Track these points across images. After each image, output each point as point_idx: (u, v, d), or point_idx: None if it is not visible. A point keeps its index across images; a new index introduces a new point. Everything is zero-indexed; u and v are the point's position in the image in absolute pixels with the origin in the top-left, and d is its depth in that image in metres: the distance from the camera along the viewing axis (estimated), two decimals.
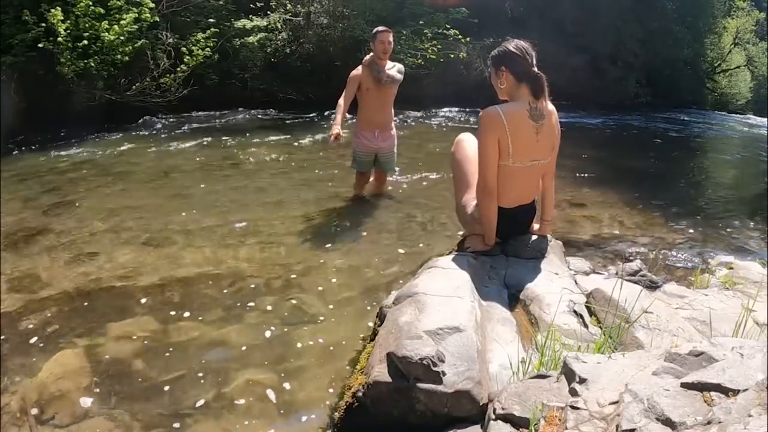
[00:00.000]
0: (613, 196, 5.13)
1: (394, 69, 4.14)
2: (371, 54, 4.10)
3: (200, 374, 2.19)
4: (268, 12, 10.91)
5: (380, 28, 4.11)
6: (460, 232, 2.87)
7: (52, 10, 7.26)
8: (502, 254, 2.59)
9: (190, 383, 2.13)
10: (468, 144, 2.73)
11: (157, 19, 8.63)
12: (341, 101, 4.18)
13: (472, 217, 2.61)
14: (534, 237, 2.67)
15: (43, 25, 7.27)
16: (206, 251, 3.41)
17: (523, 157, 2.41)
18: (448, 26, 11.70)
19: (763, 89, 24.07)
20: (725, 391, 1.16)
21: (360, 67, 4.14)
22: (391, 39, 4.08)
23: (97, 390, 2.07)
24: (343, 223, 3.99)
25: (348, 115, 4.33)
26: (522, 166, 2.43)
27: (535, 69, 2.39)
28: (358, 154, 4.35)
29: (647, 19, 17.69)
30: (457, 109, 11.06)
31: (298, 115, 9.44)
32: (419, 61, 11.02)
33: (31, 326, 2.50)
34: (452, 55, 11.61)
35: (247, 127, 8.41)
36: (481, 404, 1.54)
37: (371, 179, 4.61)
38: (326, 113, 9.35)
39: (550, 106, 2.47)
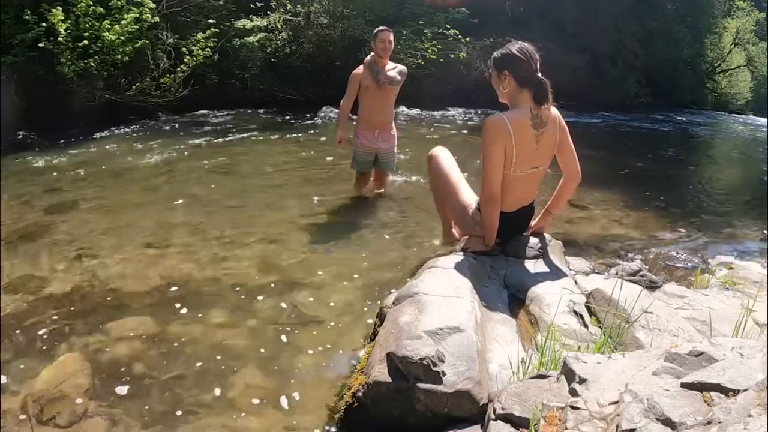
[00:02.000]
0: (613, 196, 5.13)
1: (395, 70, 4.14)
2: (372, 54, 4.11)
3: (200, 374, 2.19)
4: (268, 12, 10.90)
5: (381, 28, 4.15)
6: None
7: (53, 10, 7.25)
8: (502, 254, 2.59)
9: (190, 383, 2.13)
10: (442, 159, 2.80)
11: (157, 19, 8.62)
12: (343, 104, 4.19)
13: (473, 219, 2.61)
14: (534, 237, 2.67)
15: (44, 25, 7.26)
16: (206, 251, 3.41)
17: (524, 165, 2.40)
18: (448, 26, 11.69)
19: (763, 89, 24.06)
20: (725, 391, 1.16)
21: (361, 67, 4.15)
22: (391, 38, 4.09)
23: (97, 390, 2.07)
24: (343, 223, 3.99)
25: (351, 114, 4.34)
26: (522, 174, 2.42)
27: (539, 74, 2.32)
28: (358, 154, 4.35)
29: (647, 19, 17.69)
30: (457, 109, 11.06)
31: (298, 115, 9.44)
32: (419, 61, 11.01)
33: (31, 326, 2.50)
34: (452, 55, 11.61)
35: (247, 127, 8.41)
36: (481, 404, 1.54)
37: (371, 179, 4.61)
38: (326, 113, 9.34)
39: (553, 111, 2.41)
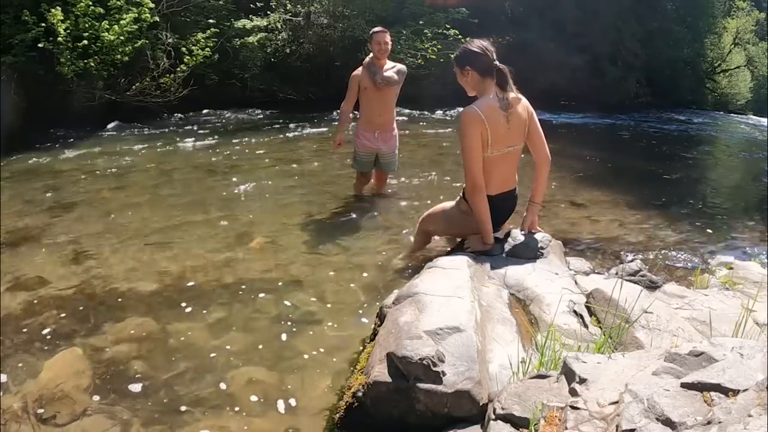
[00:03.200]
0: (613, 196, 5.13)
1: (393, 70, 4.12)
2: (371, 55, 4.10)
3: (200, 373, 2.19)
4: (268, 12, 10.91)
5: (376, 29, 4.09)
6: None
7: (52, 10, 7.26)
8: (502, 254, 2.60)
9: (189, 382, 2.13)
10: (430, 213, 3.04)
11: (157, 19, 8.63)
12: (343, 106, 4.18)
13: (459, 208, 2.78)
14: (533, 237, 2.67)
15: (43, 25, 7.27)
16: (206, 251, 3.41)
17: (500, 145, 2.58)
18: (448, 26, 11.70)
19: (763, 89, 24.07)
20: (725, 391, 1.16)
21: (360, 68, 4.14)
22: (387, 39, 4.05)
23: (98, 389, 2.08)
24: (343, 223, 3.99)
25: (353, 113, 4.33)
26: (499, 153, 2.60)
27: (497, 63, 2.55)
28: (358, 154, 4.35)
29: (647, 19, 17.71)
30: (456, 109, 11.05)
31: (298, 115, 9.44)
32: (419, 61, 11.02)
33: (31, 326, 2.50)
34: (452, 55, 11.59)
35: (247, 127, 8.42)
36: (481, 404, 1.54)
37: (372, 179, 4.61)
38: (326, 113, 9.35)
39: (521, 97, 2.61)
